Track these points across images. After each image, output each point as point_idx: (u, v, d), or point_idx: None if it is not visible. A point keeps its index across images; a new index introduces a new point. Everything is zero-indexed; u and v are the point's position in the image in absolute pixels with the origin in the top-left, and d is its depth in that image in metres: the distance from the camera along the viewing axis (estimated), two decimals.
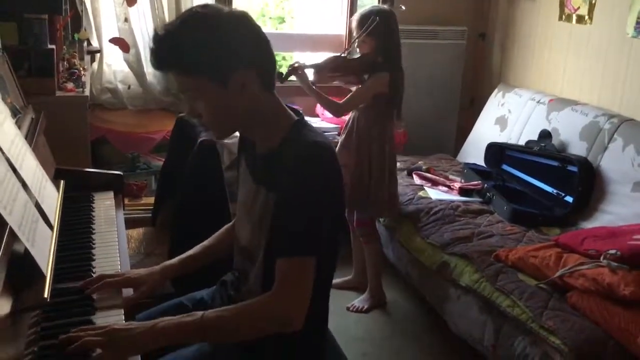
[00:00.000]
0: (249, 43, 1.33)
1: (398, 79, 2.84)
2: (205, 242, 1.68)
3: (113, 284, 1.47)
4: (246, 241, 1.49)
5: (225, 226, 1.71)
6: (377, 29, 2.79)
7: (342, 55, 2.94)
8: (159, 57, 1.33)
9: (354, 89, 2.94)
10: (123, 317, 1.35)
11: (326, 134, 3.58)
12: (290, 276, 1.29)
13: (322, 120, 3.72)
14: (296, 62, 2.88)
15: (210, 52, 1.29)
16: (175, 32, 1.30)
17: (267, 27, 5.60)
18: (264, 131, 1.41)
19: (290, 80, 2.93)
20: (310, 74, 2.89)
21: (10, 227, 1.20)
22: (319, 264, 1.31)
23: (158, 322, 1.26)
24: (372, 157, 2.89)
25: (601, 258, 2.14)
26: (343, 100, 2.89)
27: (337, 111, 2.96)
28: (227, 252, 1.63)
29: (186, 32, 1.29)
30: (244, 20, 1.34)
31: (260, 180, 1.43)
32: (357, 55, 2.96)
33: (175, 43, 1.30)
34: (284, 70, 2.85)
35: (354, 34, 2.88)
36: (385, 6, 2.89)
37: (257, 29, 1.36)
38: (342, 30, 3.97)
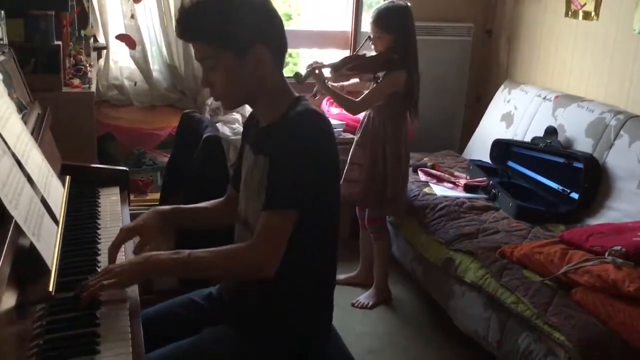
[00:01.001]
0: (268, 21, 1.44)
1: (414, 77, 2.82)
2: (195, 205, 1.77)
3: (117, 245, 1.53)
4: (245, 213, 1.56)
5: (215, 200, 1.77)
6: (394, 25, 2.78)
7: (360, 53, 2.93)
8: (184, 25, 1.42)
9: (367, 85, 2.95)
10: (127, 311, 1.35)
11: None
12: (267, 227, 1.39)
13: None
14: (314, 63, 2.86)
15: (234, 25, 1.39)
16: (202, 4, 1.39)
17: None
18: (269, 105, 1.50)
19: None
20: (326, 72, 2.88)
21: (16, 222, 1.21)
22: (309, 227, 1.41)
23: (149, 257, 1.40)
24: (387, 156, 2.89)
25: (606, 254, 2.14)
26: (359, 98, 2.88)
27: (353, 109, 2.94)
28: (210, 224, 1.74)
29: (212, 4, 1.39)
30: (265, 2, 1.45)
31: (259, 150, 1.51)
32: (372, 53, 2.92)
33: (201, 13, 1.39)
34: (297, 69, 2.84)
35: (370, 29, 2.86)
36: (403, 2, 2.85)
37: (275, 9, 1.47)
38: (348, 27, 3.97)
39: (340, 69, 2.86)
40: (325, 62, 2.90)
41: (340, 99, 2.90)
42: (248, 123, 1.68)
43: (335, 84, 3.04)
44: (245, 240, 1.52)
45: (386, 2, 2.93)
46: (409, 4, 2.86)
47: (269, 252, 1.39)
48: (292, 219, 1.39)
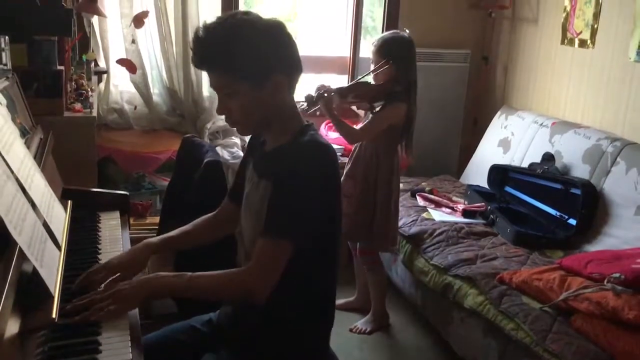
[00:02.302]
0: (284, 50, 1.45)
1: (413, 110, 2.80)
2: (184, 228, 1.77)
3: (99, 280, 1.51)
4: (248, 239, 1.56)
5: (205, 216, 1.78)
6: (397, 56, 2.76)
7: (367, 81, 2.87)
8: (201, 55, 1.43)
9: (361, 112, 2.93)
10: (129, 337, 1.35)
11: None
12: (262, 255, 1.40)
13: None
14: (322, 86, 2.79)
15: (253, 56, 1.39)
16: (220, 35, 1.39)
17: None
18: (279, 129, 1.51)
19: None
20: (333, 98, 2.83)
21: (20, 247, 1.21)
22: (307, 259, 1.42)
23: (152, 280, 1.43)
24: (378, 188, 2.85)
25: (605, 281, 2.14)
26: (359, 127, 2.85)
27: (353, 138, 2.89)
28: (203, 242, 1.75)
29: (231, 36, 1.39)
30: (281, 28, 1.45)
31: (263, 173, 1.51)
32: (374, 82, 2.88)
33: (219, 45, 1.39)
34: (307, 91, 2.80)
35: (373, 58, 2.84)
36: (405, 33, 2.83)
37: (291, 37, 1.47)
38: (346, 53, 4.01)
39: (346, 96, 2.81)
40: (333, 87, 2.84)
41: (342, 127, 2.83)
42: (254, 141, 1.68)
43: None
44: (244, 260, 1.55)
45: (390, 32, 2.93)
46: (407, 31, 2.85)
47: (261, 280, 1.40)
48: (287, 249, 1.40)
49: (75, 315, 1.33)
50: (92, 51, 3.33)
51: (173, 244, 1.74)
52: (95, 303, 1.36)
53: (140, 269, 1.62)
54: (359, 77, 2.99)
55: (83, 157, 2.63)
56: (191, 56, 1.46)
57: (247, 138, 1.80)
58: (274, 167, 1.45)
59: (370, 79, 2.90)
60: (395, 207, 2.92)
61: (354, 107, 3.04)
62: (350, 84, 2.89)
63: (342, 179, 2.95)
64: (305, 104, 2.75)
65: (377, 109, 2.81)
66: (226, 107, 1.47)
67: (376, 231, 2.88)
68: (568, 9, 3.41)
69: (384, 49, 2.78)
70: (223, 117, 1.53)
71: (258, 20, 1.42)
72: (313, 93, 2.78)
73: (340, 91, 2.81)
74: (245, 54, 1.38)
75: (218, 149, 3.36)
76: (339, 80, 3.89)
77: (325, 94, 2.75)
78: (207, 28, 1.40)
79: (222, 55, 1.39)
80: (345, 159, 3.54)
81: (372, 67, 2.85)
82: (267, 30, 1.41)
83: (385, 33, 2.98)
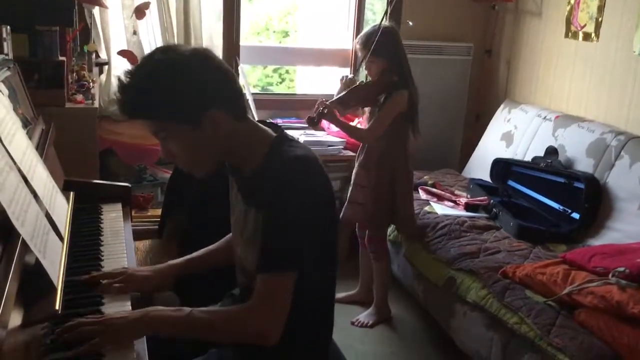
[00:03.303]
0: (214, 82, 1.33)
1: (414, 94, 2.83)
2: (211, 247, 1.72)
3: (121, 289, 1.49)
4: (242, 260, 1.50)
5: (227, 236, 1.71)
6: (385, 47, 2.77)
7: (362, 82, 2.90)
8: (126, 106, 1.33)
9: (367, 110, 2.95)
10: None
11: (331, 147, 3.60)
12: (265, 292, 1.31)
13: (327, 134, 3.72)
14: (320, 103, 2.79)
15: (178, 98, 1.29)
16: (140, 81, 1.30)
17: (271, 41, 5.64)
18: (245, 155, 1.42)
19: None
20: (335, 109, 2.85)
21: (23, 238, 1.20)
22: (309, 279, 1.34)
23: (149, 312, 1.32)
24: (396, 176, 2.88)
25: (609, 275, 2.13)
26: (368, 126, 2.88)
27: (365, 139, 2.92)
28: (226, 261, 1.64)
29: (151, 80, 1.29)
30: (207, 59, 1.34)
31: (250, 202, 1.43)
32: (368, 79, 2.92)
33: (141, 92, 1.29)
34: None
35: (360, 55, 2.86)
36: (387, 23, 2.84)
37: (220, 64, 1.36)
38: (348, 46, 3.99)
39: (348, 103, 2.85)
40: (331, 99, 2.87)
41: (352, 131, 2.89)
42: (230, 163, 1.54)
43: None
44: (249, 287, 1.44)
45: (371, 26, 2.92)
46: (390, 24, 2.87)
47: (271, 318, 1.31)
48: (292, 280, 1.31)
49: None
50: (94, 42, 3.31)
51: (195, 265, 1.68)
52: (83, 330, 1.25)
53: (163, 286, 1.60)
54: (350, 76, 3.01)
55: (84, 148, 2.62)
56: (117, 107, 1.36)
57: None
58: (259, 195, 1.37)
59: (362, 77, 2.91)
60: (412, 190, 3.01)
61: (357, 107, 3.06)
62: (346, 90, 2.88)
63: (355, 169, 3.01)
64: (309, 125, 2.80)
65: (382, 102, 2.84)
66: (169, 151, 1.38)
67: (402, 217, 2.95)
68: (572, 1, 3.39)
69: (368, 43, 2.78)
70: None
71: (177, 58, 1.32)
72: (312, 114, 2.80)
73: (341, 100, 2.84)
74: (172, 95, 1.29)
75: None
76: (340, 72, 3.86)
77: (325, 110, 2.76)
78: (126, 73, 1.31)
79: (145, 101, 1.30)
80: (347, 152, 3.58)
81: (363, 64, 2.88)
82: (187, 68, 1.30)
83: (366, 28, 2.97)
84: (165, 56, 1.33)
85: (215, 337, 1.40)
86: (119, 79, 1.32)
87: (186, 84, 1.29)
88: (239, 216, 1.49)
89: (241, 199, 1.47)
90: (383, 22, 2.82)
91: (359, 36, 2.94)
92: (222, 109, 1.33)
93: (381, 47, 2.76)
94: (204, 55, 1.34)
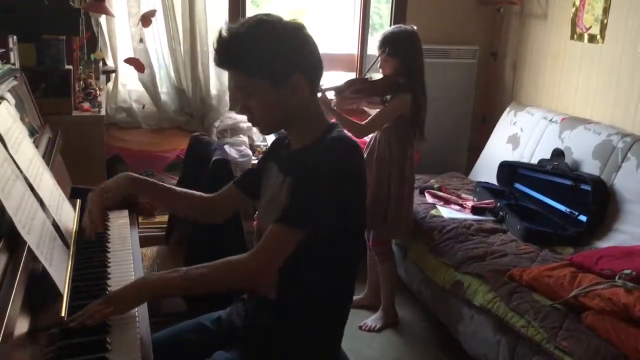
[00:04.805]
0: (305, 51, 1.46)
1: (420, 100, 2.82)
2: (174, 187, 1.81)
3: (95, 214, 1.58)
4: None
5: (200, 192, 1.78)
6: (399, 48, 2.80)
7: (365, 77, 2.94)
8: (222, 55, 1.44)
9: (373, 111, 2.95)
10: (139, 337, 1.34)
11: None
12: (269, 239, 1.40)
13: None
14: None
15: (272, 57, 1.41)
16: (242, 35, 1.41)
17: None
18: (303, 129, 1.53)
19: None
20: (330, 95, 2.88)
21: (29, 246, 1.22)
22: (326, 272, 1.43)
23: (148, 277, 1.42)
24: (392, 178, 2.89)
25: (616, 278, 2.13)
26: (365, 121, 2.89)
27: (359, 132, 2.90)
28: (183, 212, 1.82)
29: (252, 36, 1.41)
30: (302, 29, 1.46)
31: (287, 171, 1.52)
32: (378, 77, 2.93)
33: (240, 44, 1.41)
34: None
35: (378, 52, 2.88)
36: (409, 26, 2.87)
37: (311, 38, 1.48)
38: (354, 50, 4.00)
39: (344, 92, 2.86)
40: (329, 85, 2.90)
41: (346, 122, 2.87)
42: (279, 142, 1.69)
43: (351, 106, 3.05)
44: None
45: (394, 26, 2.96)
46: (415, 28, 2.88)
47: (263, 263, 1.40)
48: (296, 238, 1.39)
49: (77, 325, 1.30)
50: (100, 50, 3.34)
51: (154, 190, 1.74)
52: (92, 310, 1.32)
53: (121, 195, 1.66)
54: (365, 71, 3.00)
55: (91, 156, 2.64)
56: (213, 55, 1.47)
57: (270, 137, 1.80)
58: (298, 164, 1.47)
59: (378, 75, 2.91)
60: (409, 196, 2.95)
61: (365, 107, 3.06)
62: (346, 80, 2.91)
63: None
64: None
65: (388, 102, 2.86)
66: (247, 106, 1.48)
67: (389, 219, 2.92)
68: (577, 3, 3.39)
69: (387, 43, 2.82)
70: (231, 115, 1.53)
71: (278, 22, 1.44)
72: None
73: (337, 88, 2.86)
74: (265, 54, 1.40)
75: (226, 147, 3.36)
76: (346, 78, 3.86)
77: (319, 93, 2.77)
78: (230, 29, 1.42)
79: (243, 55, 1.41)
80: None
81: (378, 61, 2.89)
82: (287, 30, 1.43)
83: (390, 27, 3.01)
84: (268, 18, 1.44)
85: (211, 285, 1.44)
86: (220, 32, 1.43)
87: (281, 45, 1.42)
88: (273, 189, 1.55)
89: (280, 172, 1.55)
90: (406, 24, 2.84)
91: (380, 33, 2.94)
92: (306, 75, 1.45)
93: (396, 48, 2.79)
94: (300, 25, 1.47)
